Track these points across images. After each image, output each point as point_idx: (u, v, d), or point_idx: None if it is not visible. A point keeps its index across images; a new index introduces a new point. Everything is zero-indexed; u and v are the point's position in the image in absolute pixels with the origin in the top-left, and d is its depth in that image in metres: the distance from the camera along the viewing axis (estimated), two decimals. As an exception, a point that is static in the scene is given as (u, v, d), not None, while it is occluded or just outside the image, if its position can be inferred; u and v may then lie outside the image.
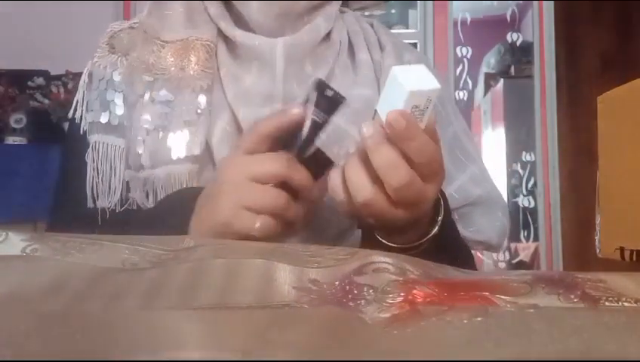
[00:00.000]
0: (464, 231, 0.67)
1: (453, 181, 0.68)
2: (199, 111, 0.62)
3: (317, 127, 0.50)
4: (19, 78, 2.42)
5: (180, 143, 0.61)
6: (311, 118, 0.49)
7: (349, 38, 0.70)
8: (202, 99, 0.62)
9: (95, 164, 0.64)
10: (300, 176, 0.49)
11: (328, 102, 0.50)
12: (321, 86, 0.50)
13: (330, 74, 0.66)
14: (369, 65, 0.68)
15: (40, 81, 2.43)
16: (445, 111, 0.72)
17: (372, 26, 0.73)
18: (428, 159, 0.45)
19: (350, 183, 0.47)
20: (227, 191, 0.49)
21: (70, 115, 0.67)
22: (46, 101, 2.39)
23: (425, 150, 0.45)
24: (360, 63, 0.68)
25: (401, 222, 0.48)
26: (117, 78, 0.65)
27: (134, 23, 0.69)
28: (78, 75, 0.68)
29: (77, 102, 0.67)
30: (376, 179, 0.46)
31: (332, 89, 0.50)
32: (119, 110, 0.65)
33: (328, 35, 0.67)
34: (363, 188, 0.46)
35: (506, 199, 2.64)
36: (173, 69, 0.63)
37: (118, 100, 0.65)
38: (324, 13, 0.66)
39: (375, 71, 0.68)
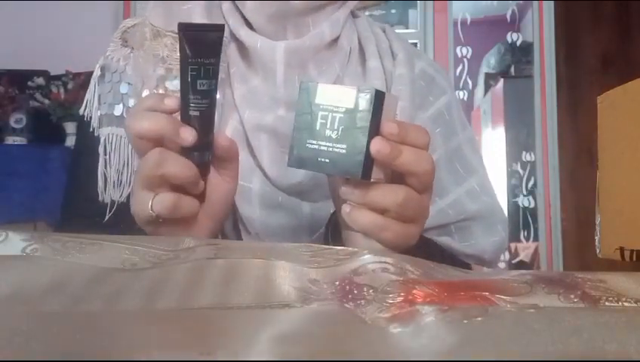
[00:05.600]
0: (458, 244, 0.67)
1: (448, 194, 0.67)
2: None
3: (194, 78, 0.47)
4: (19, 78, 2.42)
5: None
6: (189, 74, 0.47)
7: (359, 43, 0.69)
8: None
9: (107, 156, 0.64)
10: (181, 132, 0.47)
11: (206, 42, 0.47)
12: (185, 29, 0.46)
13: (337, 81, 0.65)
14: (380, 74, 0.66)
15: (40, 81, 2.43)
16: (451, 119, 0.70)
17: (384, 31, 0.72)
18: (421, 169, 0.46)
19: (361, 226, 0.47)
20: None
21: (82, 111, 0.67)
22: (46, 101, 2.39)
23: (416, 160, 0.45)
24: (370, 71, 0.67)
25: (416, 239, 0.49)
26: (130, 70, 0.65)
27: (144, 19, 0.69)
28: (78, 74, 0.67)
29: (88, 98, 0.66)
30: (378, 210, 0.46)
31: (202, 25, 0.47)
32: (132, 103, 0.64)
33: (335, 41, 0.66)
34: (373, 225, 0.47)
35: (506, 199, 2.66)
36: None
37: (132, 93, 0.65)
38: (331, 20, 0.65)
39: (386, 80, 0.67)
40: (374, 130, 0.43)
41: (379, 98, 0.43)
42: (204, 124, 0.48)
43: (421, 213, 0.49)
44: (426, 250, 0.62)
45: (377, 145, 0.43)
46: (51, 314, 0.29)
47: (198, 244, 0.38)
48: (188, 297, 0.31)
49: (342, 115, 0.44)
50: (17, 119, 2.31)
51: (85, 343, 0.26)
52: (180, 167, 0.46)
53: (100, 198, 0.64)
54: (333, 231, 0.56)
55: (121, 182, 0.63)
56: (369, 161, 0.43)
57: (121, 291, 0.32)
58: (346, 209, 0.46)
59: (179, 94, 0.60)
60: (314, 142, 0.45)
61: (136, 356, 0.25)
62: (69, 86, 2.33)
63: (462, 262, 0.67)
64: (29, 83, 2.43)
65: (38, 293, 0.31)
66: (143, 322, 0.29)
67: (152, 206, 0.46)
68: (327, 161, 0.44)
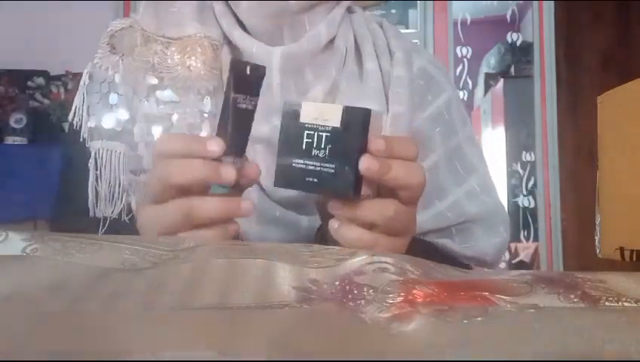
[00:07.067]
0: (458, 246, 0.65)
1: (448, 195, 0.66)
2: (204, 115, 0.60)
3: (249, 116, 0.47)
4: (19, 78, 2.43)
5: None
6: (236, 109, 0.46)
7: (356, 43, 0.67)
8: (207, 102, 0.60)
9: (98, 171, 0.61)
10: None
11: (250, 81, 0.47)
12: (237, 67, 0.46)
13: (334, 84, 0.63)
14: (377, 76, 0.65)
15: (40, 81, 2.43)
16: (450, 118, 0.68)
17: (381, 26, 0.70)
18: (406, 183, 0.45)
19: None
20: (140, 227, 0.48)
21: (70, 118, 0.64)
22: (46, 101, 2.39)
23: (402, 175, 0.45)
24: (367, 73, 0.65)
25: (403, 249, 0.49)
26: (119, 80, 0.62)
27: (134, 22, 0.65)
28: (78, 75, 0.65)
29: (76, 106, 0.63)
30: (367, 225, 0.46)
31: (248, 64, 0.47)
32: (123, 115, 0.61)
33: (332, 42, 0.64)
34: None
35: (506, 199, 2.66)
36: (179, 67, 0.60)
37: (122, 104, 0.62)
38: (327, 19, 0.62)
39: (383, 83, 0.65)
40: (362, 147, 0.43)
41: (365, 116, 0.43)
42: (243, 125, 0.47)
43: (408, 226, 0.49)
44: (425, 253, 0.61)
45: (366, 163, 0.43)
46: (51, 314, 0.29)
47: (198, 244, 0.38)
48: (188, 297, 0.31)
49: (328, 134, 0.44)
50: (17, 119, 2.31)
51: (85, 343, 0.26)
52: (209, 210, 0.45)
53: (91, 214, 0.61)
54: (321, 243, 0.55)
55: (113, 196, 0.61)
56: (358, 178, 0.43)
57: (121, 291, 0.32)
58: (334, 225, 0.46)
59: (170, 105, 0.58)
60: (300, 161, 0.44)
61: (136, 356, 0.25)
62: (69, 86, 2.34)
63: (462, 264, 0.66)
64: (29, 83, 2.43)
65: (38, 293, 0.31)
66: (143, 322, 0.29)
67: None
68: (315, 180, 0.44)
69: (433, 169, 0.66)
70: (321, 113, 0.44)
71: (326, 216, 0.48)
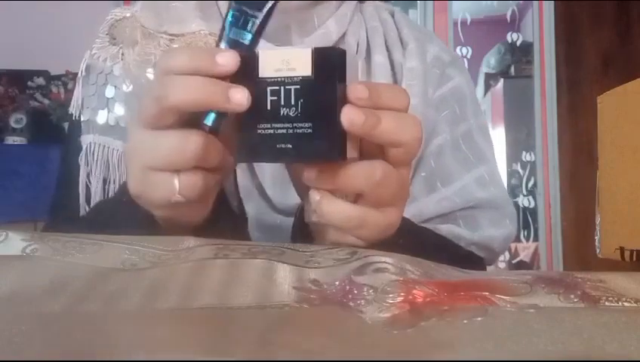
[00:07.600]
0: (465, 231, 0.63)
1: (454, 181, 0.63)
2: None
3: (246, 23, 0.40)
4: (19, 78, 2.43)
5: None
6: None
7: (367, 37, 0.64)
8: None
9: (89, 167, 0.58)
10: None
11: None
12: None
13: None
14: (385, 69, 0.62)
15: (40, 81, 2.43)
16: (461, 109, 0.66)
17: (393, 16, 0.67)
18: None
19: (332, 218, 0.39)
20: (127, 153, 0.39)
21: (71, 109, 0.61)
22: (46, 101, 2.40)
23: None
24: (375, 67, 0.62)
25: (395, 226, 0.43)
26: (117, 72, 0.59)
27: (134, 13, 0.62)
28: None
29: (76, 99, 0.61)
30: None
31: None
32: (119, 110, 0.59)
33: (342, 38, 0.62)
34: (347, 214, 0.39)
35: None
36: None
37: (119, 98, 0.59)
38: (337, 15, 0.60)
39: (395, 74, 0.63)
40: (343, 97, 0.36)
41: (340, 57, 0.36)
42: None
43: (401, 193, 0.40)
44: (419, 238, 0.57)
45: (349, 115, 0.35)
46: (51, 314, 0.29)
47: (198, 244, 0.38)
48: (188, 297, 0.31)
49: (298, 87, 0.36)
50: (17, 119, 2.31)
51: (85, 343, 0.26)
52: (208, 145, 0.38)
53: (82, 214, 0.58)
54: (301, 228, 0.47)
55: (108, 193, 0.58)
56: (343, 136, 0.36)
57: (121, 291, 0.32)
58: (315, 196, 0.38)
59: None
60: (267, 126, 0.36)
61: (136, 356, 0.25)
62: (69, 86, 2.34)
63: (466, 253, 0.62)
64: (29, 83, 2.43)
65: (38, 293, 0.31)
66: (143, 322, 0.29)
67: (180, 190, 0.38)
68: (289, 146, 0.36)
69: (438, 153, 0.64)
70: (286, 62, 0.36)
71: (304, 191, 0.41)
